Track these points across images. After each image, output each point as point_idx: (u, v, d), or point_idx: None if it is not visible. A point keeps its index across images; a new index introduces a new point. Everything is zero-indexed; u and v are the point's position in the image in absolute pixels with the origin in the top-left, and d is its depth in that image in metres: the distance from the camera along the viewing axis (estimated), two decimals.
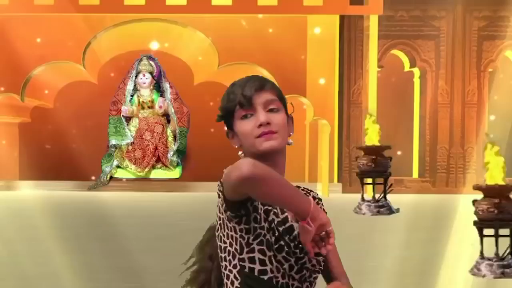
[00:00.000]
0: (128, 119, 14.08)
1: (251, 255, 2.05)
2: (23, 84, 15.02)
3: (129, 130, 13.97)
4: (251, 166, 1.92)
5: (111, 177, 13.93)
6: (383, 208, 10.84)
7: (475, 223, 7.16)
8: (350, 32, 14.58)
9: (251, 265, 2.05)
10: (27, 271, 7.03)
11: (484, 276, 6.90)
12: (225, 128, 2.22)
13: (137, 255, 7.75)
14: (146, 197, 12.72)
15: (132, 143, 13.91)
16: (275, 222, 2.05)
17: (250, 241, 2.06)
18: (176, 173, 14.05)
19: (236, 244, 2.08)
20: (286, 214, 2.06)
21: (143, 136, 13.95)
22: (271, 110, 2.09)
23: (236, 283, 2.08)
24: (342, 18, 14.60)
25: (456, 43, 14.61)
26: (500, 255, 7.01)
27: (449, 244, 8.12)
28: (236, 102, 2.12)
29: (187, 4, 14.45)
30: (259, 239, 2.05)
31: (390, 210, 10.78)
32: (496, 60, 14.68)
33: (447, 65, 14.64)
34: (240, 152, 2.16)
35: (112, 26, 15.10)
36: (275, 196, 1.91)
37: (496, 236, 7.00)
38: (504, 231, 7.04)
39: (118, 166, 13.96)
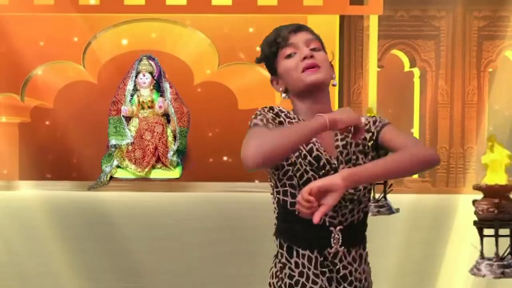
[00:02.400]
0: (128, 119, 14.07)
1: (283, 189, 2.18)
2: (23, 84, 15.04)
3: (129, 130, 13.97)
4: (253, 152, 2.02)
5: (111, 177, 13.92)
6: (383, 208, 10.84)
7: (475, 223, 7.16)
8: (350, 32, 14.58)
9: (285, 198, 2.18)
10: (27, 271, 7.04)
11: (484, 276, 6.90)
12: (270, 76, 2.30)
13: (137, 255, 7.75)
14: (146, 197, 12.72)
15: (132, 143, 13.91)
16: (302, 155, 2.14)
17: (281, 176, 2.18)
18: (176, 173, 14.05)
19: (272, 179, 2.22)
20: (311, 144, 2.14)
21: (143, 136, 13.95)
22: (313, 49, 2.17)
23: (276, 214, 2.24)
24: (342, 18, 14.61)
25: (456, 43, 14.61)
26: (500, 255, 7.01)
27: (449, 244, 8.12)
28: (278, 43, 2.17)
29: (187, 4, 14.46)
30: (288, 175, 2.16)
31: (390, 210, 10.79)
32: (496, 60, 14.68)
33: (447, 65, 14.64)
34: (283, 95, 2.23)
35: (112, 26, 15.11)
36: (290, 148, 1.98)
37: (496, 236, 7.00)
38: (504, 231, 7.04)
39: (118, 166, 13.95)
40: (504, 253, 7.03)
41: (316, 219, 1.88)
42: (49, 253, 7.76)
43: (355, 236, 2.16)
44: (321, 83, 2.15)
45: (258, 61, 2.26)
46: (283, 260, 2.17)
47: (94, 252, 7.92)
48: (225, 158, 14.85)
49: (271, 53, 2.20)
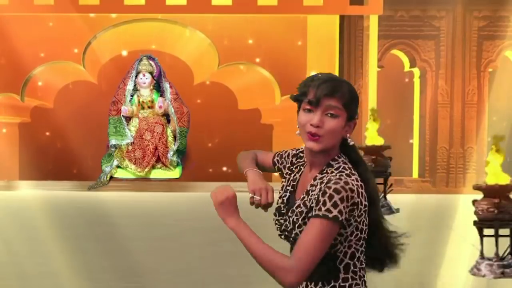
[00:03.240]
0: (128, 119, 14.07)
1: None
2: (23, 84, 15.04)
3: (129, 130, 13.97)
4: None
5: (111, 177, 13.92)
6: (383, 208, 10.83)
7: (475, 223, 7.16)
8: (350, 32, 14.58)
9: None
10: (27, 271, 7.03)
11: (484, 276, 6.90)
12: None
13: (137, 255, 7.75)
14: (146, 197, 12.72)
15: (132, 143, 13.90)
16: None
17: None
18: (176, 173, 14.05)
19: None
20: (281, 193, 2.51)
21: (143, 136, 13.94)
22: (330, 115, 2.37)
23: None
24: (342, 18, 14.60)
25: (456, 43, 14.61)
26: (500, 255, 7.01)
27: (449, 244, 8.12)
28: (306, 97, 2.42)
29: (187, 4, 14.46)
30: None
31: (390, 210, 10.78)
32: (496, 60, 14.68)
33: (447, 65, 14.64)
34: (297, 132, 2.45)
35: (112, 26, 15.11)
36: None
37: (496, 236, 7.00)
38: (504, 231, 7.04)
39: (118, 166, 13.95)
40: (504, 253, 7.03)
41: None
42: (49, 253, 7.75)
43: (313, 273, 2.29)
44: (318, 151, 2.38)
45: (292, 97, 2.54)
46: None
47: (94, 252, 7.92)
48: (225, 164, 14.83)
49: (298, 97, 2.47)
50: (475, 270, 6.98)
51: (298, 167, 2.52)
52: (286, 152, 2.61)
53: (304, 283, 2.36)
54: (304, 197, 2.37)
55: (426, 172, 14.67)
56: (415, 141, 15.00)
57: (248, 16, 14.89)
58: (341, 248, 2.33)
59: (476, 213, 7.14)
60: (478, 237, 7.10)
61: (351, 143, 2.43)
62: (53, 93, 15.42)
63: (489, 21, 14.58)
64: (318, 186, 2.31)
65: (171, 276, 6.85)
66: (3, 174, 14.62)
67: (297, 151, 2.57)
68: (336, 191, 2.24)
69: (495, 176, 7.17)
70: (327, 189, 2.25)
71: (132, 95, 14.05)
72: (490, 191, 7.16)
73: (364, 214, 2.34)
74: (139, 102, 14.04)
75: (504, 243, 7.03)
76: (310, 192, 2.35)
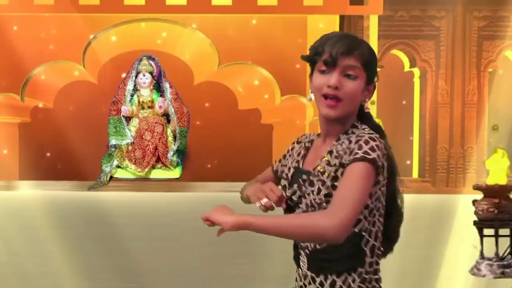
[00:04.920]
0: (128, 119, 14.07)
1: None
2: (23, 84, 15.05)
3: (129, 130, 13.97)
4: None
5: (111, 177, 13.92)
6: None
7: (475, 223, 7.16)
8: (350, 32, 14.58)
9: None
10: (27, 271, 7.04)
11: (484, 276, 6.91)
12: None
13: (137, 255, 7.75)
14: (146, 197, 12.72)
15: (132, 143, 13.91)
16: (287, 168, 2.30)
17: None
18: (176, 173, 14.05)
19: None
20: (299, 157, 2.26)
21: (143, 136, 13.95)
22: (348, 76, 2.12)
23: None
24: (342, 18, 14.61)
25: (456, 43, 14.62)
26: (500, 255, 7.01)
27: (449, 244, 8.12)
28: (321, 57, 2.15)
29: (187, 4, 14.47)
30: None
31: None
32: (496, 60, 14.69)
33: (447, 65, 14.65)
34: (308, 96, 2.21)
35: (112, 26, 15.12)
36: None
37: (496, 236, 7.00)
38: (504, 231, 7.04)
39: (118, 166, 13.95)
40: (504, 253, 7.03)
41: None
42: (49, 253, 7.76)
43: (320, 262, 2.12)
44: (335, 118, 2.13)
45: (303, 57, 2.24)
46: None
47: (94, 252, 7.92)
48: (225, 164, 14.83)
49: (312, 58, 2.19)
50: (475, 270, 6.98)
51: (300, 147, 2.26)
52: (282, 156, 2.35)
53: (322, 276, 2.11)
54: (322, 161, 2.11)
55: (426, 172, 14.68)
56: (415, 141, 15.01)
57: (248, 16, 14.90)
58: (366, 225, 2.07)
59: (476, 213, 7.13)
60: (478, 237, 7.10)
61: (368, 109, 2.19)
62: (53, 93, 15.44)
63: (489, 21, 14.59)
64: (342, 146, 2.08)
65: (171, 276, 6.85)
66: (3, 174, 14.62)
67: (292, 143, 2.31)
68: (371, 138, 2.03)
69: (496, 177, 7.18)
70: (359, 140, 2.03)
71: (132, 95, 14.06)
72: (490, 191, 7.16)
73: (385, 186, 2.10)
74: (139, 102, 14.05)
75: (504, 243, 7.03)
76: (330, 154, 2.10)
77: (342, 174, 2.04)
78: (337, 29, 14.70)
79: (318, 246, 2.12)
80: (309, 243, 2.13)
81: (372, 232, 2.09)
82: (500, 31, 14.51)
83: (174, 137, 14.04)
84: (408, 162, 14.86)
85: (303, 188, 2.13)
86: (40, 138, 15.23)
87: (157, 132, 13.98)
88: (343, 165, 2.04)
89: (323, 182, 2.07)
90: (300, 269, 2.18)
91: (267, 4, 14.34)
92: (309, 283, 2.15)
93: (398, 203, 2.19)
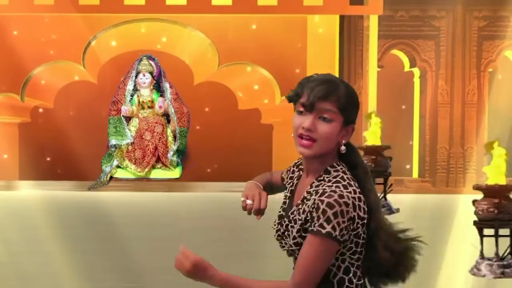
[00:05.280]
0: (128, 119, 14.07)
1: None
2: (23, 84, 15.04)
3: (129, 130, 13.96)
4: None
5: (111, 177, 13.92)
6: (383, 208, 10.79)
7: (475, 223, 7.16)
8: (350, 32, 14.58)
9: None
10: (27, 271, 7.04)
11: (484, 276, 6.90)
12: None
13: (137, 255, 7.75)
14: (146, 197, 12.72)
15: (132, 143, 13.90)
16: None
17: None
18: (176, 173, 14.05)
19: None
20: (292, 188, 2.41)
21: (143, 136, 13.94)
22: (323, 118, 2.24)
23: None
24: (342, 18, 14.61)
25: (456, 43, 14.61)
26: (500, 255, 7.01)
27: (449, 244, 8.11)
28: (299, 99, 2.29)
29: (187, 4, 14.46)
30: None
31: (390, 210, 10.78)
32: (496, 60, 14.68)
33: (447, 65, 14.64)
34: (292, 134, 2.32)
35: (112, 26, 15.11)
36: None
37: (496, 236, 7.00)
38: (504, 231, 7.04)
39: (118, 166, 13.94)
40: (504, 253, 7.03)
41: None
42: (49, 253, 7.75)
43: None
44: (310, 157, 2.26)
45: (287, 97, 2.38)
46: None
47: (94, 252, 7.92)
48: (225, 164, 14.82)
49: (293, 98, 2.33)
50: (475, 270, 6.98)
51: (297, 174, 2.40)
52: (291, 165, 2.49)
53: None
54: (299, 204, 2.26)
55: (426, 172, 14.67)
56: (415, 141, 15.00)
57: (248, 16, 14.89)
58: (334, 262, 2.22)
59: (476, 213, 7.13)
60: (478, 237, 7.10)
61: (343, 151, 2.28)
62: (53, 93, 15.42)
63: (489, 21, 14.58)
64: (313, 197, 2.19)
65: (171, 276, 6.85)
66: (3, 174, 14.62)
67: (298, 160, 2.44)
68: (329, 205, 2.13)
69: (496, 176, 7.17)
70: (320, 203, 2.15)
71: (132, 95, 14.05)
72: (490, 191, 7.16)
73: (361, 228, 2.21)
74: (139, 102, 14.04)
75: (504, 243, 7.03)
76: (305, 200, 2.24)
77: (308, 228, 2.18)
78: (337, 29, 14.69)
79: None
80: None
81: (341, 267, 2.24)
82: (500, 31, 14.51)
83: (174, 137, 14.04)
84: (408, 166, 14.86)
85: (283, 230, 2.30)
86: (40, 138, 15.21)
87: (157, 132, 13.97)
88: (308, 222, 2.19)
89: (297, 230, 2.23)
90: None
91: (267, 4, 14.34)
92: None
93: (382, 236, 2.31)
